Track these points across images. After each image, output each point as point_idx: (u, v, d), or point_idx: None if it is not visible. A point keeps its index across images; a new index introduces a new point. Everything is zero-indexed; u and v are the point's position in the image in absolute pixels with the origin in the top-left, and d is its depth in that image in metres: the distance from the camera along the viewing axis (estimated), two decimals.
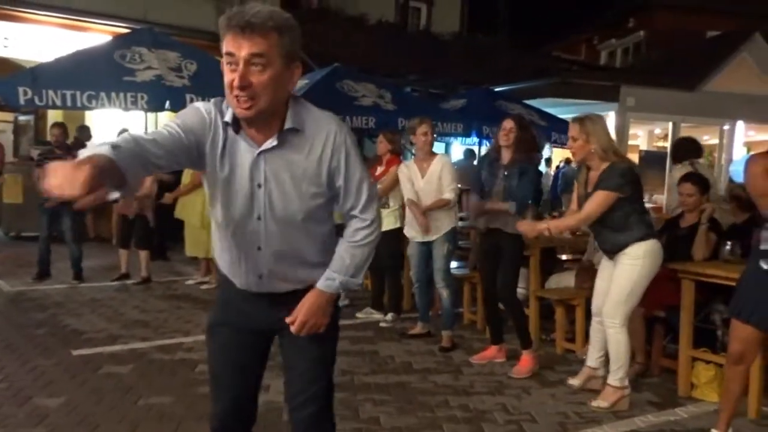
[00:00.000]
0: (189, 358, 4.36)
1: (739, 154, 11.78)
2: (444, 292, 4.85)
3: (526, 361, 4.27)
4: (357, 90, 8.09)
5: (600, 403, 3.71)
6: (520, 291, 5.24)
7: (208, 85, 6.46)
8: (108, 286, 6.56)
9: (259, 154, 1.79)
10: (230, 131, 1.79)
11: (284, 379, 2.05)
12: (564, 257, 6.15)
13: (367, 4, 13.63)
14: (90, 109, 6.66)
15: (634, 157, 12.15)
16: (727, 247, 3.96)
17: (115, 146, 1.50)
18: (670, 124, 11.93)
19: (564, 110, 10.25)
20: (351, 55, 10.37)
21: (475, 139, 9.39)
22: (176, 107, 6.54)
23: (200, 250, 6.58)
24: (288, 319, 1.91)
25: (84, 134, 9.56)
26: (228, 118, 1.78)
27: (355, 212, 1.92)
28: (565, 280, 5.12)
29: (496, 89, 10.04)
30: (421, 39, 13.62)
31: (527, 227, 3.84)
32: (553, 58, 15.88)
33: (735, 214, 4.56)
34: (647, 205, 4.85)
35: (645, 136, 13.47)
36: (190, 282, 6.86)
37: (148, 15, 9.42)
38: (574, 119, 3.79)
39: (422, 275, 4.98)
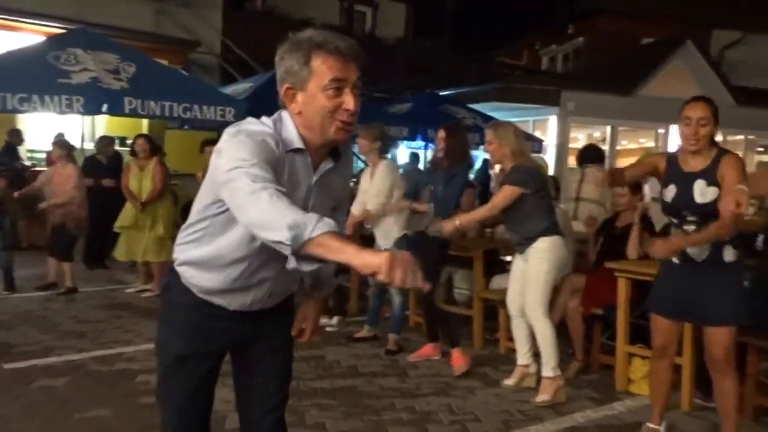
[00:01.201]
0: (129, 368, 4.23)
1: None
2: (397, 298, 4.88)
3: (457, 357, 4.36)
4: None
5: (542, 397, 3.82)
6: (465, 292, 5.32)
7: (148, 88, 6.32)
8: (41, 296, 6.31)
9: (318, 178, 1.78)
10: (289, 156, 1.72)
11: (242, 388, 2.02)
12: (508, 258, 6.24)
13: (312, 7, 13.60)
14: (22, 112, 6.41)
15: (574, 160, 12.48)
16: None
17: (318, 217, 1.48)
18: (609, 128, 12.31)
19: (507, 114, 10.46)
20: None
21: (421, 143, 9.48)
22: (114, 110, 6.38)
23: (154, 254, 6.41)
24: (297, 334, 2.05)
25: (15, 138, 9.21)
26: (298, 144, 1.72)
27: (341, 218, 2.03)
28: (508, 281, 5.20)
29: (441, 93, 10.15)
30: (366, 43, 13.65)
31: (440, 226, 4.02)
32: (497, 63, 16.19)
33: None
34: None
35: (585, 139, 13.84)
36: (130, 290, 6.67)
37: (83, 15, 9.14)
38: (489, 126, 4.12)
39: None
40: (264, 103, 6.47)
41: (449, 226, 3.96)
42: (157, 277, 6.36)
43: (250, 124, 1.73)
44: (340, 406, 3.71)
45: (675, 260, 3.07)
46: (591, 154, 6.46)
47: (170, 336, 1.91)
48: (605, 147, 12.54)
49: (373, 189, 4.76)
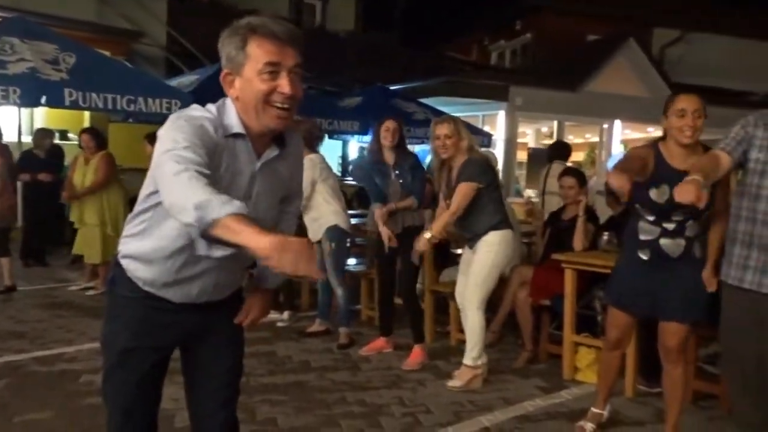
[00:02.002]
0: (71, 369, 4.09)
1: (617, 150, 12.56)
2: (338, 290, 4.87)
3: (417, 354, 4.39)
4: None
5: (455, 383, 3.91)
6: (416, 286, 5.33)
7: (89, 79, 6.10)
8: None
9: (261, 166, 1.75)
10: (229, 141, 1.69)
11: (192, 383, 1.97)
12: (459, 251, 6.30)
13: None
14: None
15: (523, 155, 12.69)
16: (605, 238, 4.24)
17: (226, 198, 1.43)
18: (555, 123, 12.54)
19: (457, 109, 10.52)
20: None
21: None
22: (53, 102, 6.14)
23: (96, 255, 6.20)
24: (238, 320, 1.95)
25: None
26: (238, 129, 1.69)
27: (294, 208, 2.05)
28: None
29: (392, 88, 10.15)
30: (315, 36, 13.55)
31: (419, 244, 3.93)
32: (447, 58, 16.26)
33: (612, 206, 4.85)
34: (535, 200, 5.10)
35: (533, 134, 14.09)
36: (73, 288, 6.46)
37: (20, 3, 8.76)
38: (444, 120, 4.01)
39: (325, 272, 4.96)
40: (210, 95, 6.33)
41: (422, 242, 3.90)
42: (101, 274, 6.18)
43: (193, 110, 1.71)
44: (292, 401, 3.68)
45: (644, 256, 3.03)
46: (557, 151, 7.07)
47: (115, 330, 1.86)
48: (551, 142, 12.81)
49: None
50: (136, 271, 1.81)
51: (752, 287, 2.59)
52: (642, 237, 3.02)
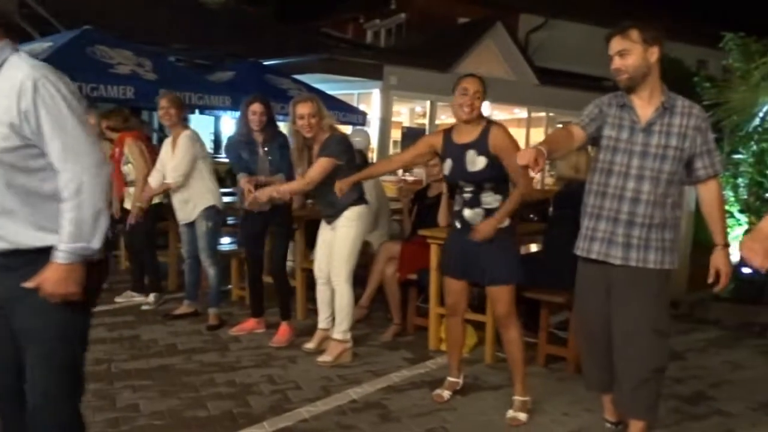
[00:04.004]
0: None
1: None
2: (210, 270, 4.76)
3: (284, 330, 4.42)
4: (112, 57, 7.44)
5: (325, 358, 4.01)
6: (288, 264, 5.33)
7: None
8: None
9: None
10: None
11: None
12: None
13: None
14: None
15: (397, 133, 12.94)
16: None
17: None
18: (428, 103, 12.88)
19: (332, 86, 10.51)
20: (102, 18, 9.49)
21: None
22: None
23: None
24: (28, 284, 1.79)
25: None
26: None
27: (57, 165, 1.81)
28: None
29: (266, 63, 9.94)
30: (186, 8, 12.95)
31: (259, 194, 3.99)
32: (322, 35, 16.14)
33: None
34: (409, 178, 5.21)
35: (407, 114, 14.38)
36: None
37: None
38: (305, 99, 4.02)
39: (192, 252, 4.84)
40: (68, 64, 5.92)
41: (265, 194, 3.96)
42: None
43: None
44: (156, 385, 3.57)
45: (458, 224, 3.32)
46: None
47: None
48: (425, 121, 13.15)
49: (174, 161, 4.60)
50: None
51: (599, 257, 2.82)
52: (455, 207, 3.35)
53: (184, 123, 4.81)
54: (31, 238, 1.82)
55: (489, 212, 3.22)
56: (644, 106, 2.74)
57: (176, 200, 4.73)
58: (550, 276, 3.91)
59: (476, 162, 3.18)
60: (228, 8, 14.34)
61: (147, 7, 11.77)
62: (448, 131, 3.36)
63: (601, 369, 2.97)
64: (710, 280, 2.71)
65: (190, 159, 4.58)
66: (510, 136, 3.23)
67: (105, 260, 1.96)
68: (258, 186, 4.27)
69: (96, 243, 1.83)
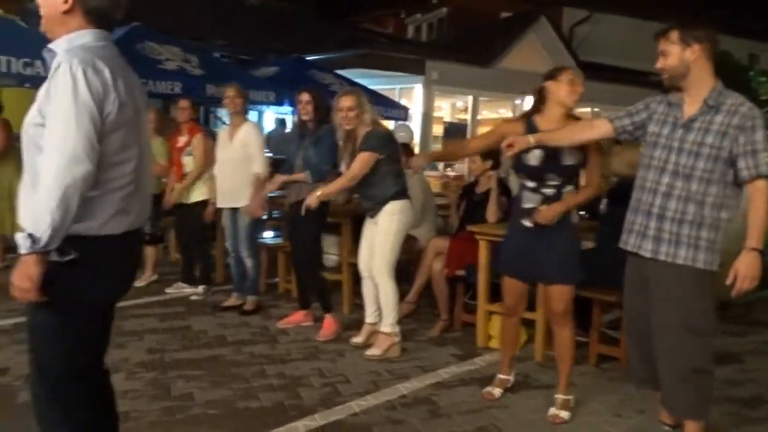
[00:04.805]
0: None
1: None
2: (248, 262, 4.88)
3: (328, 324, 4.42)
4: (161, 53, 7.59)
5: (373, 351, 4.00)
6: (334, 257, 5.36)
7: None
8: None
9: None
10: None
11: None
12: None
13: None
14: None
15: (439, 128, 12.86)
16: None
17: None
18: (470, 98, 12.77)
19: (374, 81, 10.51)
20: (151, 16, 9.66)
21: (288, 108, 9.30)
22: None
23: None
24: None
25: None
26: None
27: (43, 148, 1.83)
28: None
29: (308, 58, 10.00)
30: (229, 5, 13.11)
31: (309, 202, 4.01)
32: (362, 30, 16.16)
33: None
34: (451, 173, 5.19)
35: (448, 109, 14.29)
36: None
37: None
38: (347, 92, 4.06)
39: (235, 246, 4.92)
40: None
41: (312, 199, 3.99)
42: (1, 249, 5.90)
43: None
44: (208, 375, 3.62)
45: (527, 224, 3.19)
46: None
47: None
48: (467, 116, 13.05)
49: (253, 151, 4.69)
50: None
51: (634, 249, 2.81)
52: (525, 205, 3.21)
53: (245, 114, 4.92)
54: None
55: (566, 212, 3.17)
56: (692, 103, 2.71)
57: (225, 186, 4.80)
58: (602, 274, 3.82)
59: (573, 154, 3.11)
60: (268, 5, 14.47)
61: (190, 3, 11.94)
62: (529, 119, 3.22)
63: (643, 362, 2.93)
64: (728, 282, 2.60)
65: (263, 148, 4.74)
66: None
67: (83, 264, 1.84)
68: (288, 185, 4.45)
69: (45, 238, 1.70)
